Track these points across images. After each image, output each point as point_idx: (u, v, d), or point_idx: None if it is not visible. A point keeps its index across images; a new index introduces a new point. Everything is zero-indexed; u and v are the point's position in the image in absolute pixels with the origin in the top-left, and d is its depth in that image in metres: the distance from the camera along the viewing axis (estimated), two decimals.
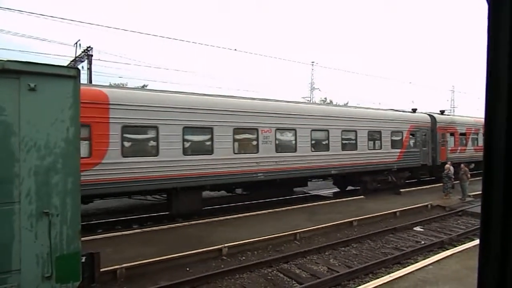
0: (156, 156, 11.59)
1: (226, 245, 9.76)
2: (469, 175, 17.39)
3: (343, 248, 10.45)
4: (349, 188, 20.13)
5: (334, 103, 53.56)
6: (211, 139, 12.75)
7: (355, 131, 17.34)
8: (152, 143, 11.65)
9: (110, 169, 10.72)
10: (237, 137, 13.43)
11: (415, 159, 20.55)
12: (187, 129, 12.20)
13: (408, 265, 8.59)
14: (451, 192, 17.56)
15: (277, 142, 14.42)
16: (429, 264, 8.15)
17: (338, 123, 16.61)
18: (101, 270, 5.91)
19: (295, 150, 14.95)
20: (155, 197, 13.06)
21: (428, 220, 13.85)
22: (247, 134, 13.80)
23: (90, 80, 24.50)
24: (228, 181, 13.36)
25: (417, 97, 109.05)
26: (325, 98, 62.71)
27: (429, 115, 22.64)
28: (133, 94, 11.75)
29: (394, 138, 19.39)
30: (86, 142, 10.21)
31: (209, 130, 12.70)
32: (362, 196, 17.68)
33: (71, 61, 25.30)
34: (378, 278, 7.76)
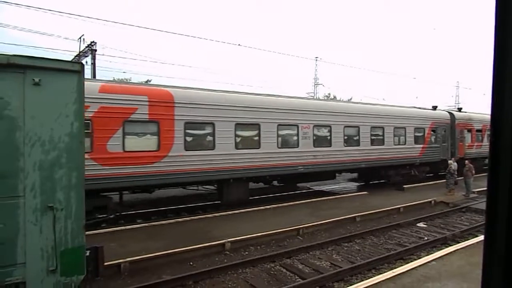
0: (212, 149, 12.89)
1: (229, 240, 9.80)
2: (473, 172, 17.29)
3: (346, 244, 10.46)
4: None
5: (338, 98, 53.35)
6: (259, 135, 13.99)
7: (383, 128, 18.46)
8: (209, 138, 12.94)
9: (175, 161, 12.01)
10: (281, 132, 14.63)
11: (435, 154, 21.43)
12: (238, 125, 13.47)
13: (411, 261, 8.59)
14: (453, 188, 17.49)
15: (314, 137, 15.63)
16: (432, 260, 8.15)
17: (368, 120, 17.77)
18: (105, 264, 5.96)
19: (330, 145, 16.17)
20: (205, 187, 14.13)
21: (432, 216, 13.82)
22: (289, 130, 14.95)
23: (94, 75, 24.56)
24: (273, 173, 14.60)
25: (421, 93, 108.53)
26: (329, 94, 62.46)
27: (448, 112, 23.83)
28: (194, 94, 12.85)
29: (417, 134, 20.47)
30: (155, 137, 11.67)
31: (256, 126, 13.92)
32: (365, 192, 17.78)
33: (75, 56, 25.37)
34: (381, 273, 7.77)
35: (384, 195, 17.28)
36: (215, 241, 9.68)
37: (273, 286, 7.64)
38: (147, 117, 11.56)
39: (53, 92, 4.41)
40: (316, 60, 55.83)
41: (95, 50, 25.27)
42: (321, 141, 15.90)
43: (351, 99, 54.12)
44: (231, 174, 13.32)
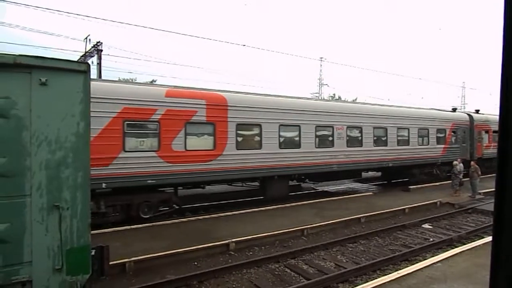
0: (259, 149, 13.99)
1: (233, 240, 9.80)
2: (479, 172, 17.14)
3: (350, 245, 10.43)
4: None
5: (343, 99, 53.20)
6: (299, 135, 15.05)
7: (408, 129, 19.54)
8: (257, 138, 14.01)
9: (228, 160, 13.09)
10: (318, 133, 15.72)
11: (456, 154, 21.83)
12: (282, 127, 14.54)
13: (416, 262, 8.54)
14: (459, 189, 17.37)
15: (347, 138, 16.72)
16: (437, 262, 8.10)
17: (394, 121, 18.86)
18: (110, 263, 5.99)
19: (361, 145, 17.25)
20: (249, 184, 15.38)
21: (437, 217, 13.74)
22: (325, 131, 16.04)
23: (99, 75, 24.68)
24: (311, 171, 15.66)
25: (427, 93, 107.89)
26: (334, 94, 62.29)
27: (467, 114, 24.90)
28: (244, 97, 14.09)
29: (439, 135, 21.55)
30: (212, 137, 12.78)
31: (297, 127, 14.99)
32: (370, 193, 17.76)
33: (81, 56, 25.53)
34: (385, 274, 7.74)
35: (390, 195, 17.21)
36: (220, 241, 9.69)
37: (277, 286, 7.64)
38: (205, 119, 12.63)
39: (59, 92, 4.44)
40: (321, 60, 55.71)
41: (101, 50, 25.40)
42: (353, 141, 16.98)
43: (356, 99, 53.92)
44: (275, 171, 14.48)
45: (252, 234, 10.38)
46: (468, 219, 14.01)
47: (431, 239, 11.06)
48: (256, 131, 13.96)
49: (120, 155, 11.02)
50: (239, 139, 13.49)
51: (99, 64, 25.29)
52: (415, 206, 14.98)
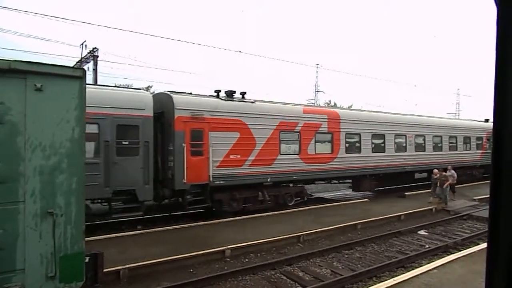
0: (359, 153, 17.52)
1: (229, 246, 9.75)
2: (450, 180, 16.73)
3: (346, 251, 10.40)
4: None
5: (339, 105, 53.42)
6: (384, 142, 18.74)
7: (456, 137, 23.44)
8: (357, 144, 17.57)
9: (340, 161, 16.65)
10: (396, 140, 19.43)
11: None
12: (373, 135, 18.20)
13: (412, 269, 8.53)
14: (435, 196, 16.93)
15: (415, 144, 20.43)
16: (433, 268, 8.08)
17: (447, 131, 22.88)
18: (105, 270, 5.93)
19: (424, 150, 21.00)
20: (342, 181, 19.99)
21: (433, 224, 13.76)
22: (401, 139, 19.74)
23: (95, 81, 24.63)
24: (390, 171, 19.24)
25: (422, 100, 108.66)
26: (330, 101, 62.52)
27: None
28: (350, 112, 18.92)
29: (478, 142, 25.31)
30: (330, 143, 16.44)
31: (383, 136, 18.68)
32: (366, 199, 17.84)
33: (77, 62, 25.46)
34: (381, 281, 7.72)
35: (386, 202, 17.23)
36: (216, 248, 9.63)
37: None
38: (327, 130, 16.33)
39: (54, 97, 4.42)
40: (317, 67, 56.01)
41: (97, 56, 25.38)
42: (419, 147, 20.66)
43: (351, 106, 54.17)
44: (369, 171, 18.03)
45: (250, 240, 10.33)
46: (464, 225, 14.04)
47: (427, 246, 11.06)
48: (357, 139, 17.58)
49: (278, 157, 14.61)
50: (347, 145, 17.09)
51: (95, 70, 25.25)
52: (410, 213, 15.00)
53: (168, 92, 12.84)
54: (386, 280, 7.70)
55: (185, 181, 12.10)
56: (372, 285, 7.42)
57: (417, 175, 22.78)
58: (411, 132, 20.17)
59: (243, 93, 14.40)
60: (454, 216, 15.08)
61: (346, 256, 10.08)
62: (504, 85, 1.07)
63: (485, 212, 14.45)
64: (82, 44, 25.44)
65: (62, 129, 4.45)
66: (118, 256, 8.64)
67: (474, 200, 17.71)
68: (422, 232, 12.81)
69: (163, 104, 12.42)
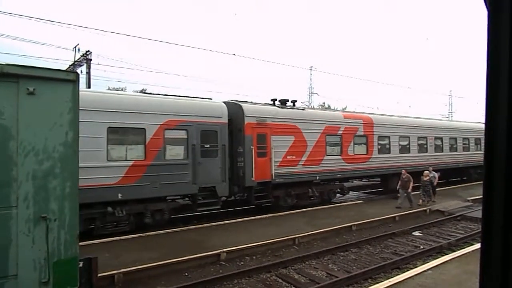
0: (389, 154, 19.49)
1: (224, 250, 9.71)
2: (411, 183, 16.11)
3: (342, 253, 10.41)
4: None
5: (333, 107, 53.59)
6: (409, 144, 20.84)
7: (468, 139, 25.38)
8: (387, 146, 19.50)
9: (374, 161, 18.63)
10: (419, 142, 21.55)
11: None
12: (400, 138, 20.27)
13: (407, 270, 8.55)
14: (424, 199, 16.81)
15: (435, 145, 22.68)
16: (428, 269, 8.12)
17: (470, 134, 25.31)
18: (99, 275, 5.88)
19: (442, 151, 23.30)
20: (371, 180, 22.95)
21: (427, 225, 13.84)
22: (422, 141, 21.89)
23: (88, 85, 24.50)
24: (413, 170, 19.42)
25: (415, 102, 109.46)
26: (324, 103, 62.77)
27: None
28: (381, 117, 20.24)
29: None
30: (365, 145, 18.32)
31: (408, 138, 20.79)
32: (361, 201, 17.93)
33: (70, 65, 25.30)
34: (377, 283, 7.73)
35: (380, 203, 17.32)
36: (211, 251, 9.59)
37: None
38: (362, 133, 18.24)
39: (47, 101, 4.39)
40: (311, 69, 56.22)
41: (90, 60, 25.25)
42: (437, 148, 22.92)
43: (345, 108, 54.44)
44: (396, 170, 18.72)
45: (244, 243, 10.30)
46: (458, 226, 14.14)
47: (422, 247, 11.11)
48: (387, 141, 19.49)
49: (325, 158, 16.45)
50: (379, 147, 18.99)
51: (88, 73, 25.12)
52: (405, 214, 15.07)
53: (237, 102, 14.97)
54: (382, 281, 7.71)
55: (253, 179, 13.96)
56: (368, 287, 7.44)
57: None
58: (431, 134, 22.39)
59: (293, 101, 16.56)
60: (448, 217, 15.18)
61: (342, 258, 10.09)
62: (495, 86, 1.09)
63: (478, 213, 14.54)
64: (75, 47, 25.31)
65: (55, 133, 4.42)
66: (112, 260, 8.57)
67: (468, 200, 17.85)
68: (416, 233, 12.87)
69: (232, 112, 14.01)
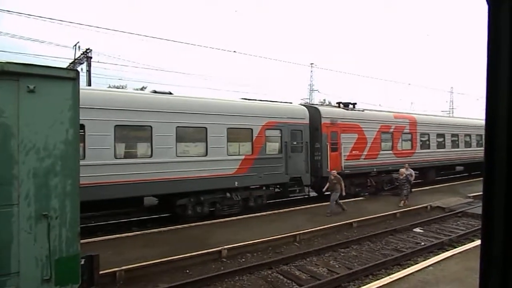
0: (428, 149, 22.15)
1: (225, 247, 9.73)
2: (342, 185, 14.35)
3: (343, 250, 10.43)
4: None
5: (334, 104, 53.47)
6: (444, 140, 23.47)
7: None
8: (427, 142, 22.24)
9: (417, 155, 21.35)
10: (452, 139, 24.22)
11: None
12: (437, 135, 22.98)
13: (408, 267, 8.56)
14: (405, 198, 16.07)
15: (464, 142, 25.18)
16: (429, 265, 8.13)
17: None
18: (101, 272, 5.90)
19: (470, 146, 25.78)
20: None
21: (428, 221, 13.83)
22: (454, 138, 24.42)
23: (89, 83, 24.50)
24: (446, 163, 24.06)
25: (417, 98, 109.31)
26: (324, 100, 62.64)
27: None
28: (423, 117, 23.10)
29: None
30: (410, 141, 21.10)
31: (443, 135, 23.38)
32: (362, 198, 17.93)
33: (70, 63, 25.31)
34: (378, 279, 7.74)
35: (381, 200, 17.32)
36: (212, 248, 9.61)
37: None
38: (408, 131, 20.91)
39: (48, 99, 4.39)
40: (312, 66, 56.14)
41: (91, 57, 25.24)
42: (467, 144, 25.36)
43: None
44: (435, 163, 22.70)
45: (246, 240, 10.32)
46: (459, 222, 14.13)
47: (423, 243, 11.12)
48: (427, 138, 22.13)
49: (380, 153, 19.05)
50: (421, 143, 21.63)
51: (89, 71, 25.11)
52: (406, 211, 15.07)
53: (313, 105, 19.29)
54: (383, 278, 7.72)
55: (328, 170, 16.12)
56: (369, 283, 7.45)
57: (457, 168, 27.96)
58: (462, 132, 25.06)
59: (354, 104, 19.05)
60: (448, 214, 15.18)
61: (343, 254, 10.11)
62: (495, 83, 1.08)
63: (479, 209, 14.52)
64: (76, 45, 25.30)
65: (56, 131, 4.42)
66: (114, 257, 8.60)
67: (469, 197, 17.84)
68: (417, 229, 12.87)
69: (311, 114, 16.63)
